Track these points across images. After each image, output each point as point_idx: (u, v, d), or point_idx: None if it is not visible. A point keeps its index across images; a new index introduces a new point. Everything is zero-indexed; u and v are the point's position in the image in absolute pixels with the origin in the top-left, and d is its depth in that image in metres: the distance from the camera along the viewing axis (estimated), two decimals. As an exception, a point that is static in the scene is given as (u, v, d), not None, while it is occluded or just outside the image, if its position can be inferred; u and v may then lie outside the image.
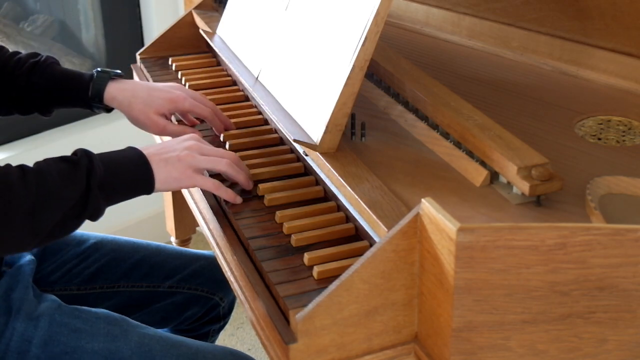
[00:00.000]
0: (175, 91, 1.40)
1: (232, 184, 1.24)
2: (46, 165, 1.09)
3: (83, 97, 1.40)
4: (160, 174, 1.15)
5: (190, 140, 1.20)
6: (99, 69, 1.41)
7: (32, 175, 1.06)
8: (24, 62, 1.41)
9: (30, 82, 1.40)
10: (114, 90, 1.39)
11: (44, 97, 1.42)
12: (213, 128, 1.42)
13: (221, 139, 1.40)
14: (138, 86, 1.40)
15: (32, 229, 1.05)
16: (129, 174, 1.14)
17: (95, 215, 1.11)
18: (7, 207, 1.03)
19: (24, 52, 1.44)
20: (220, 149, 1.23)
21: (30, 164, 1.09)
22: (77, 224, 1.10)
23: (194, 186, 1.19)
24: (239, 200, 1.21)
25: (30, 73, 1.39)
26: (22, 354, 1.21)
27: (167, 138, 1.51)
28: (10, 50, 1.44)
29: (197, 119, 1.46)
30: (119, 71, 1.43)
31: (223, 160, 1.20)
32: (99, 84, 1.39)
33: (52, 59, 1.43)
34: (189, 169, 1.17)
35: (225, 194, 1.20)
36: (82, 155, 1.11)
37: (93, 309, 1.28)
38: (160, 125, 1.38)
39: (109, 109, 1.42)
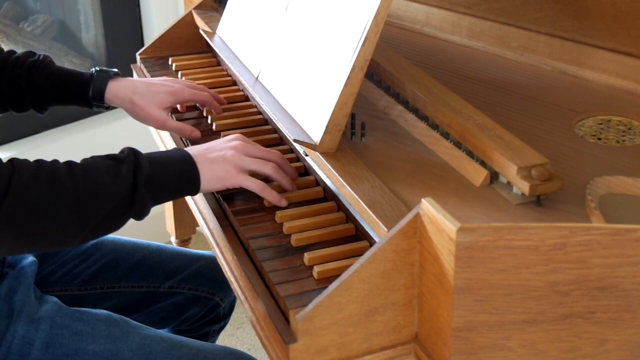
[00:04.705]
0: (172, 84, 1.44)
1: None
2: (93, 162, 1.10)
3: (83, 96, 1.42)
4: (205, 173, 1.15)
5: (235, 140, 1.21)
6: (97, 68, 1.44)
7: (79, 170, 1.07)
8: (23, 61, 1.42)
9: (31, 82, 1.41)
10: (114, 89, 1.41)
11: (44, 96, 1.43)
12: (212, 110, 1.47)
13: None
14: (137, 83, 1.43)
15: (78, 224, 1.06)
16: (175, 174, 1.14)
17: (140, 214, 1.11)
18: (53, 201, 1.04)
19: (20, 51, 1.45)
20: (266, 149, 1.23)
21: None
22: (122, 222, 1.11)
23: (238, 186, 1.18)
24: (284, 202, 1.19)
25: (30, 72, 1.41)
26: (23, 357, 1.21)
27: (165, 133, 1.51)
28: (5, 49, 1.45)
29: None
30: (116, 70, 1.45)
31: (269, 164, 1.20)
32: (100, 84, 1.41)
33: (49, 58, 1.45)
34: (234, 168, 1.17)
35: (270, 195, 1.19)
36: (129, 153, 1.12)
37: (94, 311, 1.28)
38: (161, 121, 1.41)
39: (107, 107, 1.45)
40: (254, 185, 1.18)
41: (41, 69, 1.41)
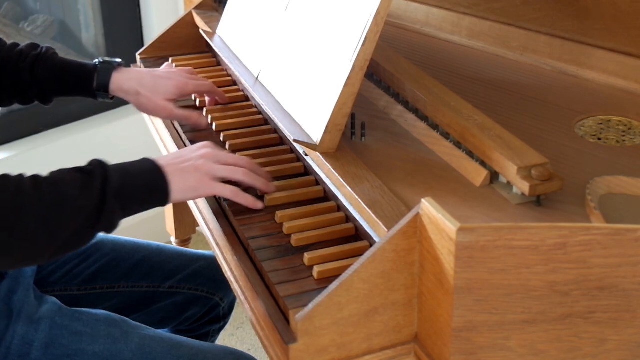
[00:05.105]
0: (177, 77, 1.44)
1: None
2: (60, 175, 1.07)
3: (87, 88, 1.43)
4: (176, 183, 1.13)
5: (205, 148, 1.20)
6: (100, 59, 1.44)
7: (45, 184, 1.04)
8: (26, 54, 1.42)
9: (34, 75, 1.41)
10: (119, 80, 1.41)
11: (48, 88, 1.43)
12: (217, 98, 1.49)
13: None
14: (142, 75, 1.43)
15: (47, 238, 1.03)
16: (145, 184, 1.12)
17: (110, 227, 1.09)
18: (20, 215, 1.01)
19: (22, 43, 1.45)
20: (235, 155, 1.22)
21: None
22: (92, 235, 1.08)
23: (211, 194, 1.17)
24: (259, 205, 1.19)
25: (33, 66, 1.41)
26: (23, 357, 1.21)
27: (166, 134, 1.51)
28: (8, 42, 1.45)
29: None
30: (120, 60, 1.45)
31: (240, 170, 1.18)
32: (104, 75, 1.41)
33: (52, 49, 1.45)
34: (205, 177, 1.15)
35: (245, 200, 1.18)
36: (96, 164, 1.09)
37: (93, 311, 1.28)
38: (168, 110, 1.42)
39: (112, 98, 1.45)
40: (227, 192, 1.17)
41: (44, 62, 1.41)
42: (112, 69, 1.42)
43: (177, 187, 1.13)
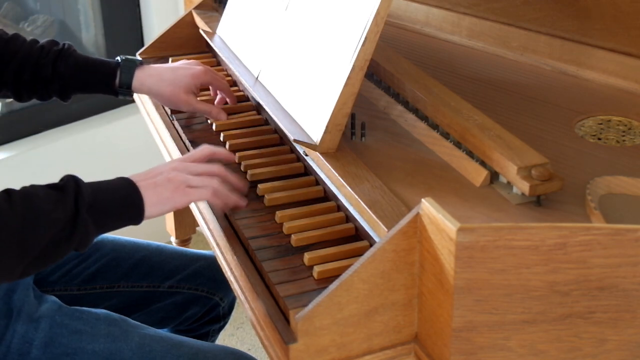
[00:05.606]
0: (193, 66, 1.48)
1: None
2: (33, 189, 1.06)
3: (110, 85, 1.45)
4: (150, 197, 1.11)
5: (175, 161, 1.19)
6: (122, 56, 1.46)
7: (18, 197, 1.03)
8: (48, 50, 1.44)
9: (56, 71, 1.43)
10: (141, 77, 1.45)
11: (69, 85, 1.45)
12: (227, 99, 1.51)
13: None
14: (162, 70, 1.46)
15: (19, 252, 1.01)
16: (118, 200, 1.10)
17: (84, 242, 1.07)
18: None
19: (42, 40, 1.46)
20: (206, 165, 1.19)
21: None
22: (66, 250, 1.06)
23: (188, 203, 1.15)
24: (243, 204, 1.19)
25: (55, 62, 1.43)
26: (23, 356, 1.21)
27: (166, 133, 1.51)
28: (28, 39, 1.46)
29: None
30: (141, 59, 1.48)
31: (214, 179, 1.16)
32: (127, 73, 1.44)
33: (72, 46, 1.47)
34: (181, 185, 1.13)
35: (226, 199, 1.17)
36: (68, 179, 1.08)
37: (93, 310, 1.28)
38: (190, 103, 1.45)
39: (132, 95, 1.48)
40: (205, 194, 1.15)
41: (66, 58, 1.43)
42: (135, 66, 1.44)
43: (150, 201, 1.11)
